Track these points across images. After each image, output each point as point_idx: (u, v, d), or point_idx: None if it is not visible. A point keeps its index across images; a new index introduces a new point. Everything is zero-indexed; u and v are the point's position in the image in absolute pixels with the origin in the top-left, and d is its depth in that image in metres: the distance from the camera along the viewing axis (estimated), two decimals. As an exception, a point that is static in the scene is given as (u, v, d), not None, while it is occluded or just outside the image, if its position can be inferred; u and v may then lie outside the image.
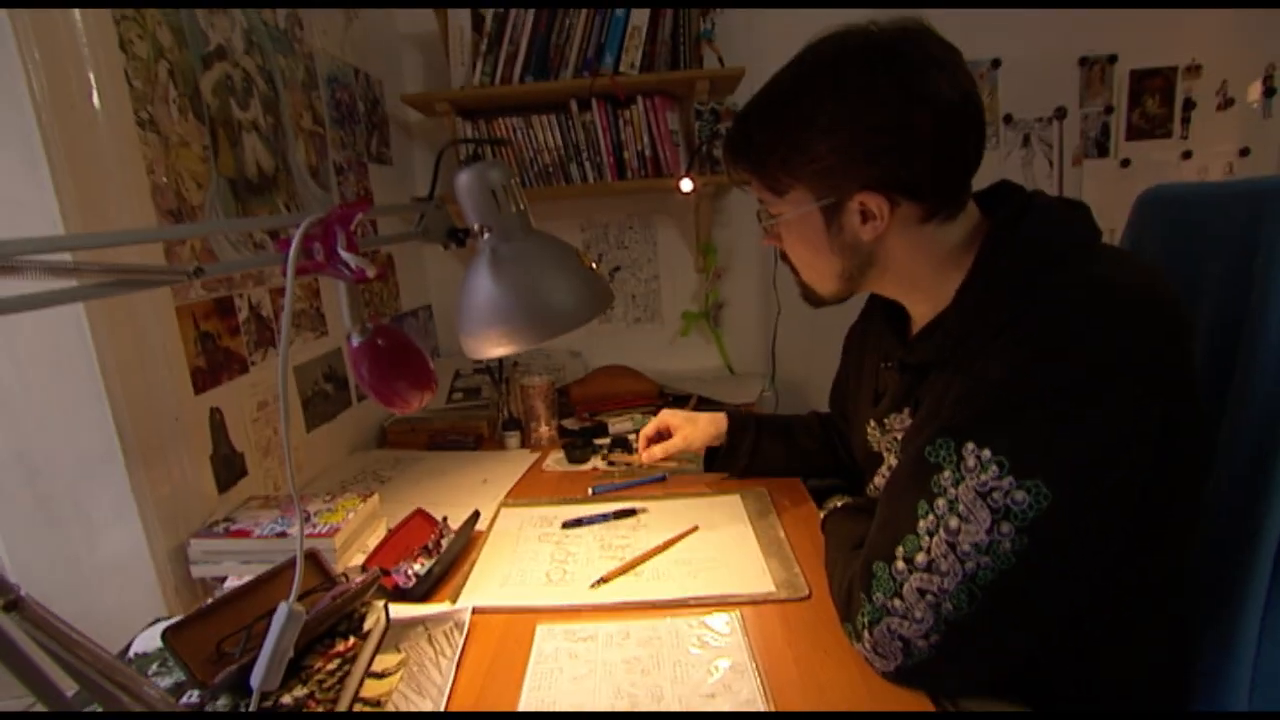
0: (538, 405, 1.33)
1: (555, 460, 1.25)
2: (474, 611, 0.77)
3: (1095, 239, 0.63)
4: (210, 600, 0.67)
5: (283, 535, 0.85)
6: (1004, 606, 0.55)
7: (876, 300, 0.83)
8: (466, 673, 0.67)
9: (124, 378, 0.78)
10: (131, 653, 0.68)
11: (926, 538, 0.57)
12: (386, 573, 0.82)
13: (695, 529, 0.93)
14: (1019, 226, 0.63)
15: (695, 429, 1.06)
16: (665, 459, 1.06)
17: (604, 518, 0.98)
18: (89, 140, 0.75)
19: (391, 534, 0.90)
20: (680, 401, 1.55)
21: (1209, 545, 0.68)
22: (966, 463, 0.56)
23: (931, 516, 0.57)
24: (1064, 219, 0.63)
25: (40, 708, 0.39)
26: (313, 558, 0.75)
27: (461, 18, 1.50)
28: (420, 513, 0.95)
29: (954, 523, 0.56)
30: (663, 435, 1.08)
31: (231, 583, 0.84)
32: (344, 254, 0.50)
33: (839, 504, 0.87)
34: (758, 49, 1.66)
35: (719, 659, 0.67)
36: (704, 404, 1.52)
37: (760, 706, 0.60)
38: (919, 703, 0.60)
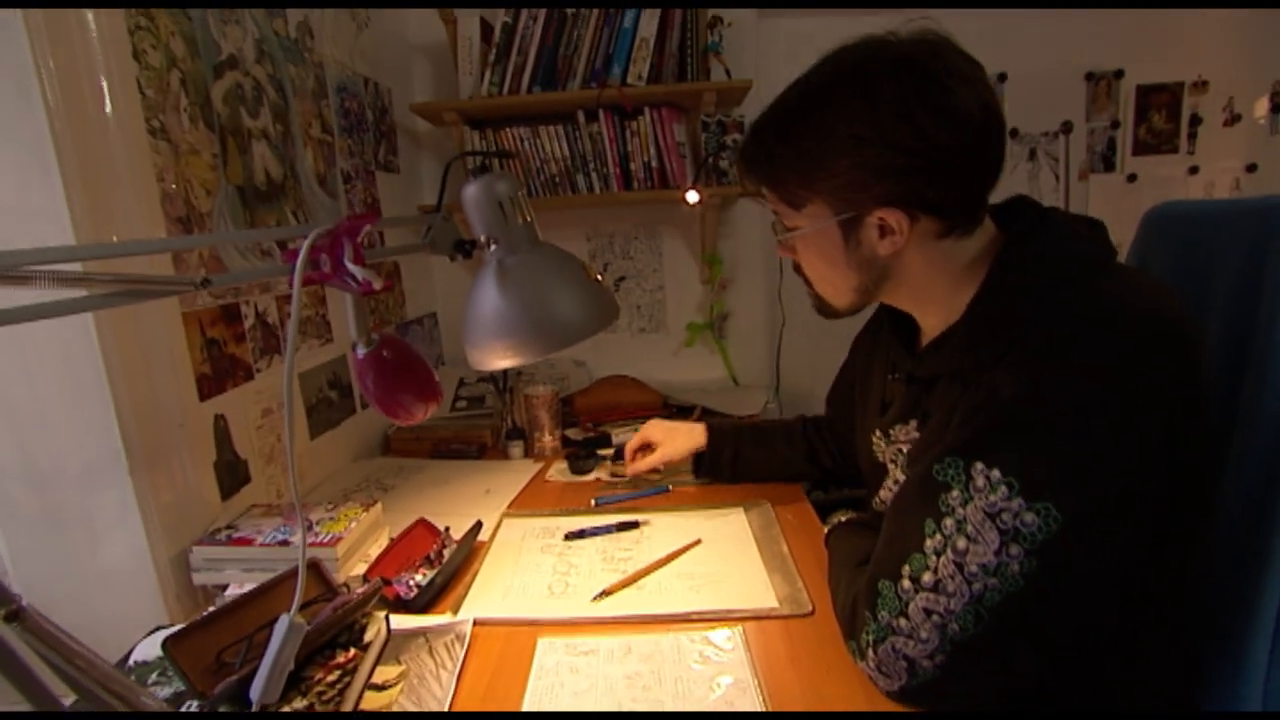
0: (541, 415, 1.33)
1: (558, 471, 1.25)
2: (475, 623, 0.76)
3: (1109, 257, 0.63)
4: (211, 609, 0.67)
5: (285, 544, 0.85)
6: (1011, 628, 0.55)
7: (885, 309, 0.82)
8: (467, 686, 0.67)
9: (130, 384, 0.78)
10: (131, 661, 0.68)
11: (934, 557, 0.57)
12: (388, 583, 0.82)
13: (698, 542, 0.92)
14: (1033, 242, 0.62)
15: (674, 442, 1.10)
16: (650, 471, 1.11)
17: (607, 529, 0.97)
18: (100, 148, 0.75)
19: (394, 543, 0.90)
20: (684, 412, 1.55)
21: (1218, 562, 0.67)
22: (975, 483, 0.55)
23: (939, 536, 0.57)
24: (1078, 236, 0.63)
25: (87, 684, 0.39)
26: (314, 567, 0.75)
27: (470, 28, 1.51)
28: (423, 522, 0.95)
29: (962, 543, 0.55)
30: (648, 447, 1.12)
31: (233, 591, 0.84)
32: (351, 266, 0.50)
33: (843, 519, 0.87)
34: (765, 62, 1.67)
35: (721, 675, 0.66)
36: (707, 415, 1.52)
37: (763, 725, 0.59)
38: (923, 722, 0.59)
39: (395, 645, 0.73)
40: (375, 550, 0.92)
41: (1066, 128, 1.85)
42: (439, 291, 1.83)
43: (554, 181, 1.57)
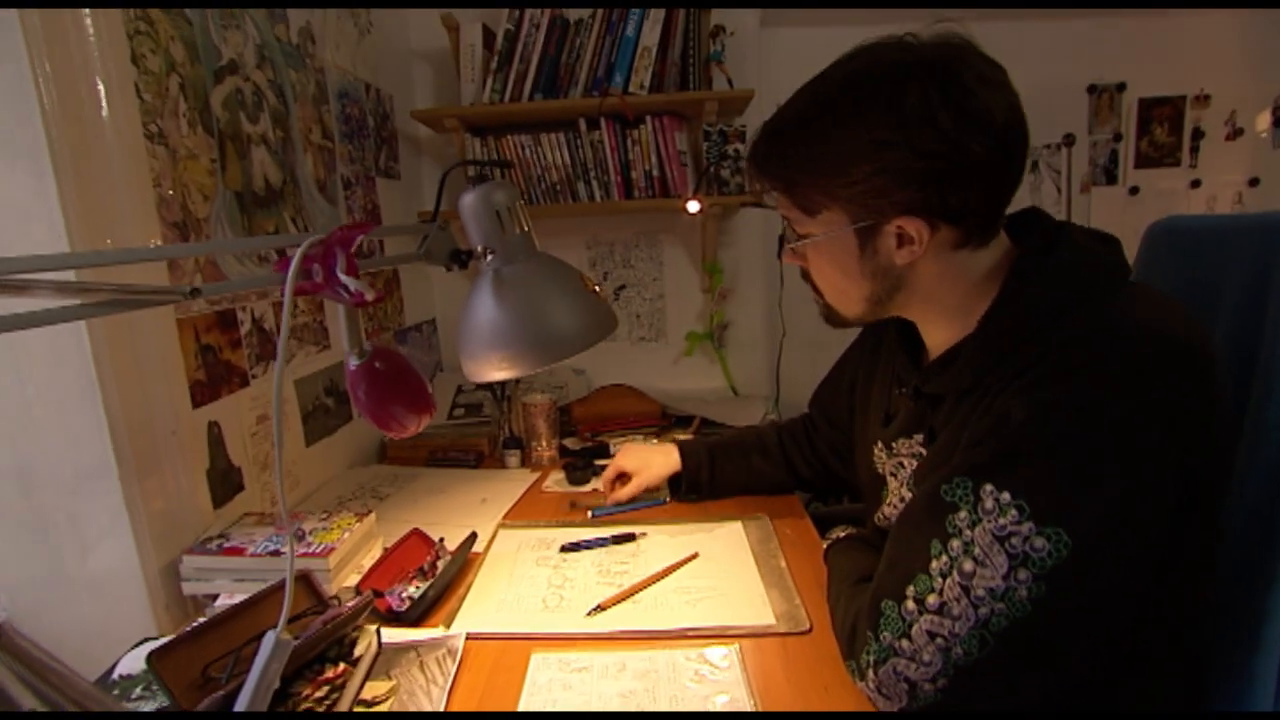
0: (539, 424, 1.32)
1: (555, 481, 1.24)
2: (468, 637, 0.75)
3: (1125, 275, 0.62)
4: (199, 622, 0.66)
5: (276, 554, 0.84)
6: (1017, 653, 0.54)
7: (892, 319, 0.81)
8: (457, 703, 0.66)
9: (121, 390, 0.77)
10: (116, 674, 0.67)
11: (939, 579, 0.56)
12: (380, 595, 0.81)
13: (695, 556, 0.91)
14: (1048, 257, 0.61)
15: (649, 470, 1.08)
16: (630, 499, 1.09)
17: (603, 542, 0.96)
18: (96, 152, 0.75)
19: (387, 554, 0.89)
20: (683, 422, 1.54)
21: (1223, 579, 0.66)
22: (984, 504, 0.54)
23: (945, 557, 0.56)
24: (1094, 253, 0.62)
25: (42, 708, 0.38)
26: (305, 579, 0.74)
27: (473, 35, 1.51)
28: (417, 533, 0.94)
29: (969, 566, 0.54)
30: (624, 476, 1.10)
31: (223, 601, 0.82)
32: (343, 277, 0.49)
33: (842, 534, 0.85)
34: (767, 71, 1.67)
35: (717, 694, 0.65)
36: (706, 425, 1.51)
37: (759, 747, 0.58)
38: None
39: (386, 659, 0.72)
40: (368, 561, 0.91)
41: (1069, 140, 1.85)
42: (438, 298, 1.82)
43: (555, 189, 1.56)
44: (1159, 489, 0.53)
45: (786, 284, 1.70)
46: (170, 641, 0.60)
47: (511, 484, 1.22)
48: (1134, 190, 1.88)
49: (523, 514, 1.11)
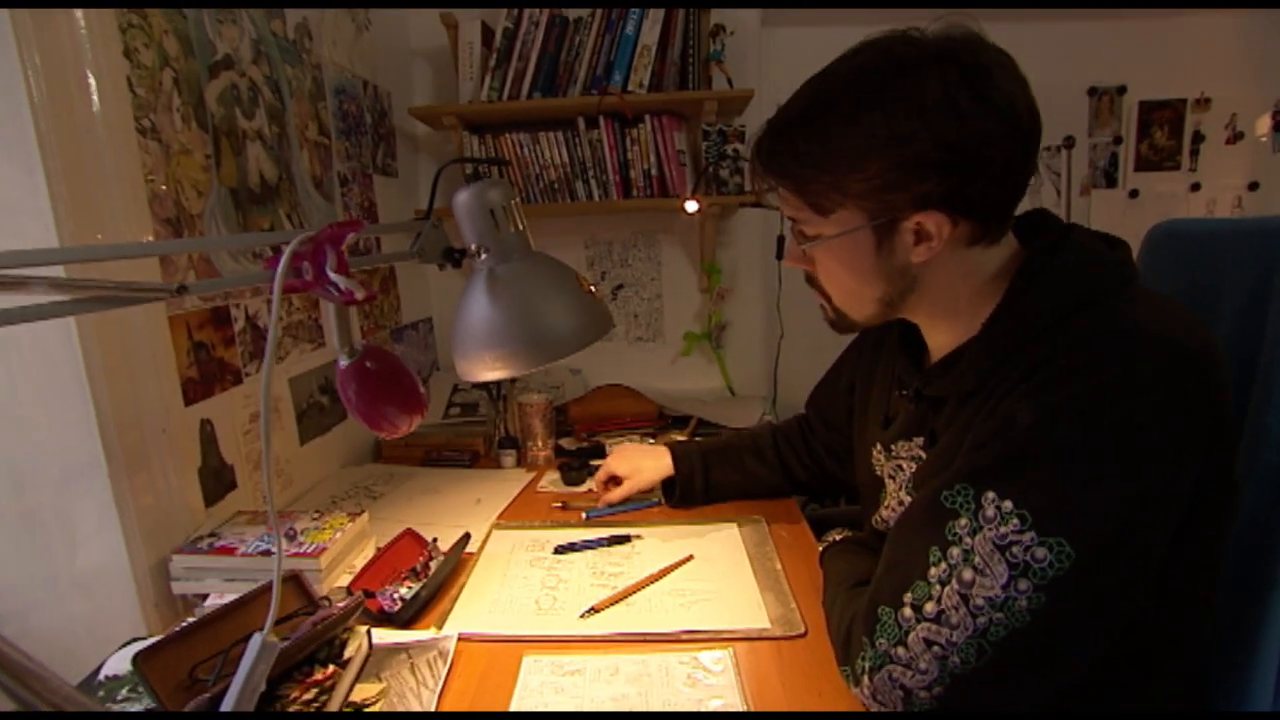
0: (535, 424, 1.32)
1: (551, 481, 1.23)
2: (459, 639, 0.74)
3: (1132, 279, 0.61)
4: (187, 622, 0.65)
5: (268, 554, 0.83)
6: (1015, 662, 0.53)
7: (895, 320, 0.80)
8: (448, 705, 0.65)
9: (111, 387, 0.76)
10: (102, 675, 0.66)
11: (938, 586, 0.55)
12: (372, 595, 0.80)
13: (690, 558, 0.90)
14: (1054, 261, 0.60)
15: (640, 474, 1.07)
16: (621, 501, 1.07)
17: (597, 543, 0.95)
18: (87, 146, 0.74)
19: (380, 554, 0.88)
20: (680, 423, 1.53)
21: (1223, 583, 0.66)
22: (985, 512, 0.53)
23: (944, 565, 0.55)
24: (1102, 256, 0.61)
25: (43, 708, 0.37)
26: (296, 580, 0.73)
27: (471, 32, 1.50)
28: (410, 533, 0.93)
29: (968, 574, 0.53)
30: (615, 479, 1.09)
31: (213, 601, 0.82)
32: (333, 275, 0.49)
33: (838, 537, 0.85)
34: (767, 71, 1.66)
35: (710, 699, 0.64)
36: (703, 426, 1.50)
37: (751, 753, 0.57)
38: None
39: (376, 661, 0.71)
40: (361, 561, 0.90)
41: (1069, 142, 1.84)
42: (434, 296, 1.81)
43: (553, 188, 1.56)
44: (1164, 497, 0.52)
45: (785, 284, 1.70)
46: (157, 642, 0.60)
47: (506, 484, 1.22)
48: (1134, 193, 1.88)
49: (517, 514, 1.10)
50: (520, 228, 0.67)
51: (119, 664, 0.67)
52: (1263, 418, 0.67)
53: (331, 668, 0.66)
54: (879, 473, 0.79)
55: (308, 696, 0.61)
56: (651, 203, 1.54)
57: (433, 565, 0.87)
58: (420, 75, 1.71)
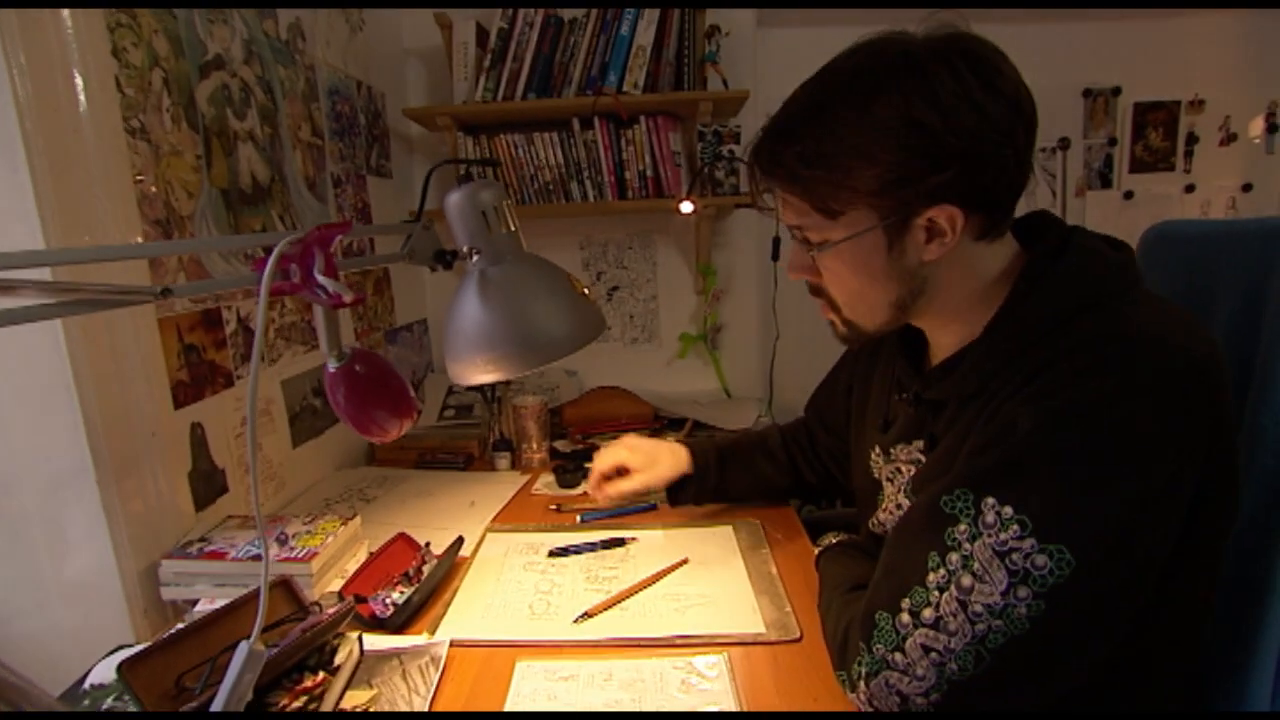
0: (530, 426, 1.31)
1: (545, 484, 1.22)
2: (452, 645, 0.74)
3: (1136, 283, 0.60)
4: (175, 629, 0.64)
5: (259, 558, 0.82)
6: (1013, 669, 0.53)
7: None
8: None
9: (99, 390, 0.76)
10: (88, 683, 0.65)
11: (936, 592, 0.54)
12: (363, 600, 0.80)
13: (685, 561, 0.90)
14: (1058, 262, 0.60)
15: (656, 469, 0.98)
16: (620, 498, 0.99)
17: (591, 547, 0.95)
18: (74, 147, 0.73)
19: (372, 558, 0.87)
20: (676, 425, 1.52)
21: (1223, 586, 0.65)
22: (985, 518, 0.53)
23: (943, 571, 0.54)
24: (1105, 259, 0.60)
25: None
26: (286, 585, 0.72)
27: (466, 33, 1.50)
28: (403, 537, 0.92)
29: (967, 580, 0.53)
30: (620, 471, 1.00)
31: (203, 607, 0.81)
32: (321, 278, 0.48)
33: (834, 540, 0.84)
34: (762, 72, 1.66)
35: (705, 704, 0.64)
36: (699, 428, 1.50)
37: (746, 760, 0.57)
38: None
39: (368, 667, 0.70)
40: (353, 565, 0.90)
41: (1064, 144, 1.85)
42: (429, 297, 1.80)
43: (548, 189, 1.55)
44: (1165, 500, 0.52)
45: (780, 286, 1.69)
46: (144, 650, 0.59)
47: (501, 487, 1.21)
48: (1128, 195, 1.88)
49: (511, 517, 1.09)
50: (512, 229, 0.67)
51: (104, 672, 0.66)
52: (1258, 420, 0.67)
53: (322, 675, 0.65)
54: (876, 475, 0.78)
55: (297, 704, 0.60)
56: (647, 204, 1.53)
57: (425, 569, 0.86)
58: (414, 76, 1.71)
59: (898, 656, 0.55)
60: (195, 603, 0.82)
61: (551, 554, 0.94)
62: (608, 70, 1.47)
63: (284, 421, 1.16)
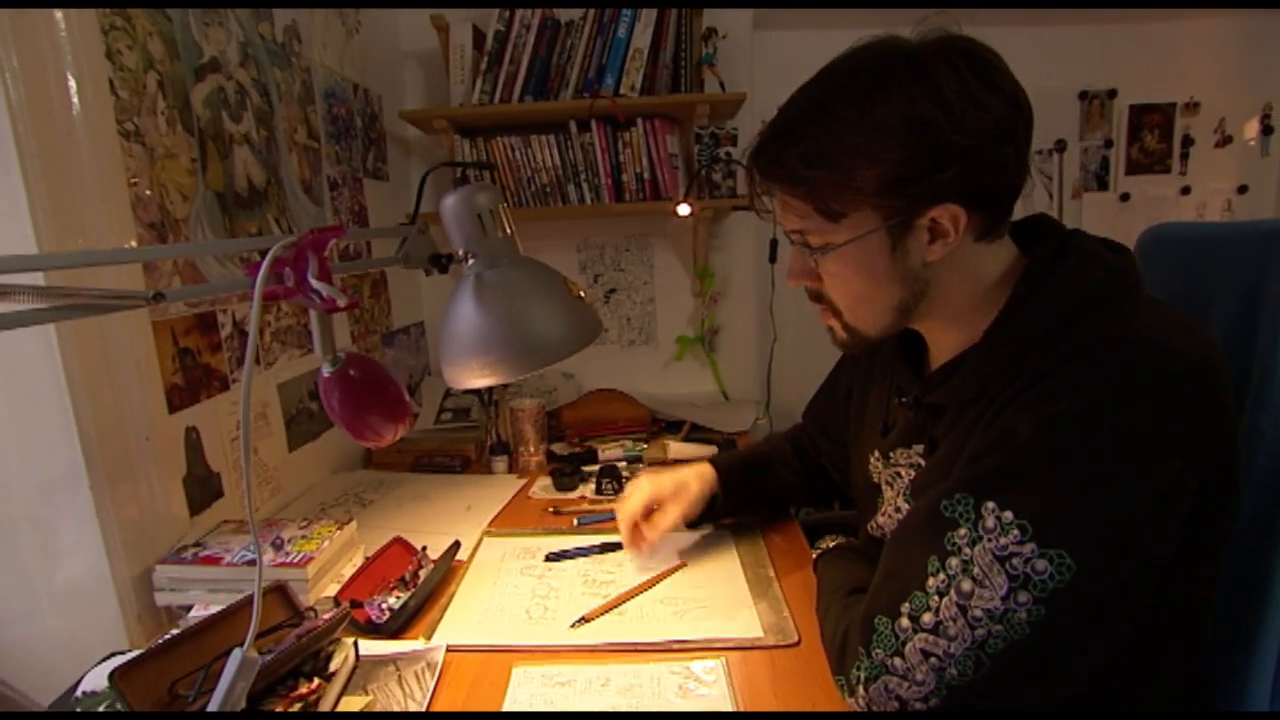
0: (527, 429, 1.30)
1: (542, 487, 1.22)
2: (448, 650, 0.73)
3: (1135, 286, 0.60)
4: (168, 635, 0.64)
5: (254, 563, 0.81)
6: (1013, 674, 0.52)
7: None
8: (436, 719, 0.64)
9: (92, 395, 0.75)
10: (80, 691, 0.64)
11: (936, 597, 0.54)
12: (359, 605, 0.79)
13: (683, 565, 0.89)
14: (1057, 266, 0.60)
15: (688, 494, 0.91)
16: (664, 535, 0.89)
17: (589, 551, 0.94)
18: (67, 150, 0.73)
19: (368, 563, 0.87)
20: (673, 427, 1.52)
21: (1222, 586, 0.65)
22: (985, 523, 0.53)
23: (943, 575, 0.54)
24: (1105, 263, 0.60)
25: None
26: (281, 590, 0.72)
27: (463, 35, 1.50)
28: (399, 541, 0.92)
29: (967, 585, 0.52)
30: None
31: (197, 613, 0.80)
32: (314, 282, 0.48)
33: (832, 544, 0.84)
34: (759, 75, 1.66)
35: (702, 709, 0.63)
36: (696, 430, 1.50)
37: (744, 766, 0.56)
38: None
39: (363, 673, 0.70)
40: (349, 570, 0.89)
41: (1060, 146, 1.85)
42: (426, 300, 1.80)
43: (545, 192, 1.55)
44: (1166, 503, 0.52)
45: (778, 288, 1.69)
46: (136, 657, 0.58)
47: (498, 490, 1.21)
48: (1124, 197, 1.88)
49: (508, 521, 1.09)
50: (508, 232, 0.66)
51: (97, 679, 0.65)
52: (1256, 422, 0.67)
53: (317, 681, 0.64)
54: (876, 480, 0.78)
55: (292, 711, 0.60)
56: (644, 206, 1.53)
57: (422, 574, 0.86)
58: (411, 78, 1.70)
59: (897, 661, 0.55)
60: (190, 608, 0.81)
61: (549, 558, 0.94)
62: (605, 73, 1.47)
63: (280, 425, 1.15)
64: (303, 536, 0.89)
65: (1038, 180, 1.86)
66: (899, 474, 0.73)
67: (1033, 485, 0.52)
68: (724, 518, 0.99)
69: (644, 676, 0.68)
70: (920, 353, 0.74)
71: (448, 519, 1.09)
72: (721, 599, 0.82)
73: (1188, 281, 0.81)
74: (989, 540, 0.52)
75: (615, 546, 0.95)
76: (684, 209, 1.48)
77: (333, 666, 0.67)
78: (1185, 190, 1.88)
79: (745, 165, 0.65)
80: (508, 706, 0.65)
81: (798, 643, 0.73)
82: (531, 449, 1.31)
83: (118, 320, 0.80)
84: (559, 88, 1.49)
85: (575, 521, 1.06)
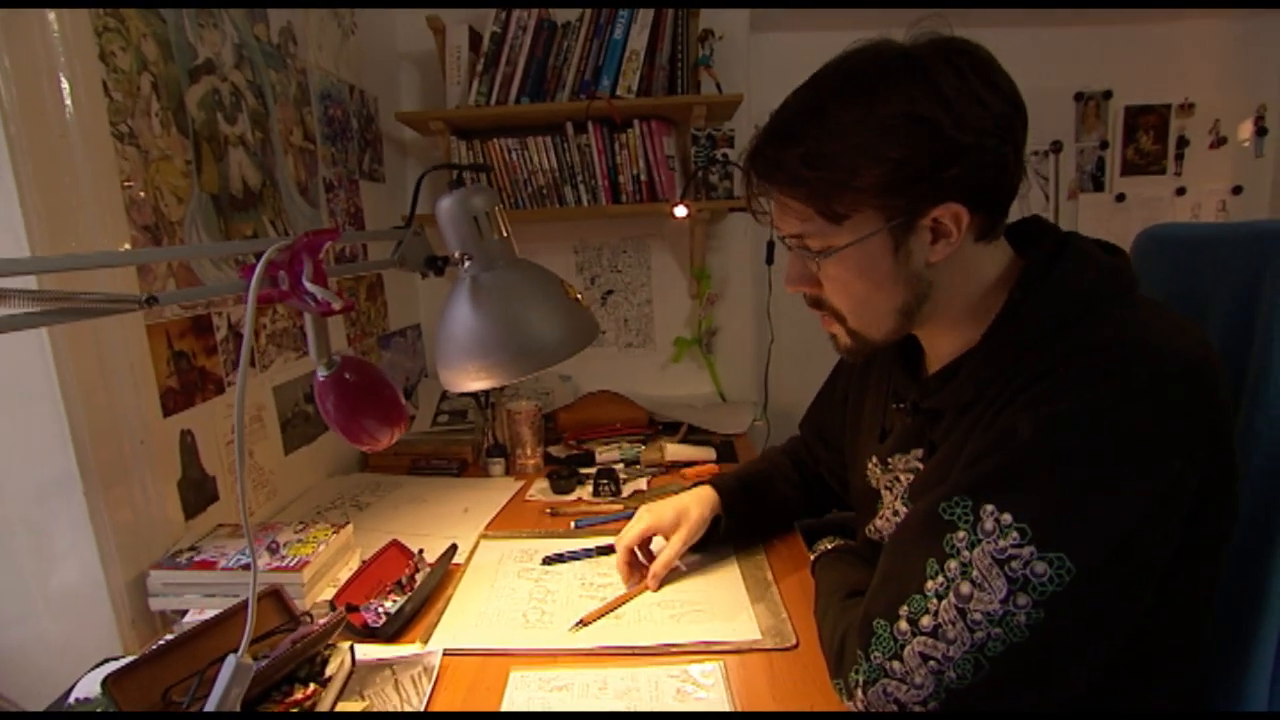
0: (524, 431, 1.30)
1: (539, 489, 1.21)
2: (445, 654, 0.73)
3: (1131, 287, 0.60)
4: (162, 641, 0.63)
5: (249, 568, 0.81)
6: (1012, 678, 0.52)
7: None
8: (433, 724, 0.64)
9: (86, 398, 0.75)
10: (73, 697, 0.64)
11: (934, 600, 0.54)
12: (355, 609, 0.79)
13: (680, 568, 0.89)
14: (1053, 268, 0.60)
15: (689, 524, 0.88)
16: (666, 569, 0.86)
17: (586, 553, 0.94)
18: (60, 152, 0.72)
19: (364, 567, 0.86)
20: (670, 429, 1.52)
21: (1221, 587, 0.65)
22: (984, 525, 0.52)
23: (941, 578, 0.54)
24: (1101, 264, 0.60)
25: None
26: (276, 595, 0.71)
27: (459, 37, 1.49)
28: (395, 544, 0.91)
29: (966, 588, 0.52)
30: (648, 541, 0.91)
31: (192, 617, 0.80)
32: (309, 285, 0.47)
33: (829, 546, 0.84)
34: (756, 76, 1.66)
35: (700, 713, 0.63)
36: (693, 432, 1.50)
37: (742, 770, 0.56)
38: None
39: (360, 678, 0.70)
40: (345, 574, 0.89)
41: (1056, 147, 1.85)
42: (422, 303, 1.79)
43: (541, 193, 1.55)
44: (1166, 504, 0.52)
45: (775, 289, 1.69)
46: (130, 663, 0.58)
47: (495, 493, 1.20)
48: (1120, 197, 1.89)
49: (506, 524, 1.08)
50: (504, 234, 0.66)
51: (90, 686, 0.65)
52: (1252, 422, 0.67)
53: (312, 686, 0.64)
54: (874, 484, 0.78)
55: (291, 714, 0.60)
56: (641, 208, 1.53)
57: (419, 578, 0.86)
58: (407, 80, 1.70)
59: (895, 665, 0.55)
60: (184, 613, 0.81)
61: (546, 561, 0.93)
62: (601, 74, 1.46)
63: (276, 428, 1.15)
64: (298, 540, 0.88)
65: (1034, 181, 1.87)
66: (898, 479, 0.73)
67: (1032, 487, 0.52)
68: (727, 541, 0.94)
69: (642, 680, 0.68)
70: (916, 357, 0.74)
71: (444, 522, 1.09)
72: (719, 602, 0.82)
73: (1183, 282, 0.81)
74: (988, 543, 0.52)
75: (612, 549, 0.95)
76: (681, 210, 1.48)
77: (329, 671, 0.67)
78: (1180, 191, 1.89)
79: (742, 168, 0.64)
80: (505, 710, 0.64)
81: (796, 645, 0.72)
82: (528, 451, 1.31)
83: (112, 323, 0.79)
84: (555, 89, 1.49)
85: (573, 524, 1.06)
